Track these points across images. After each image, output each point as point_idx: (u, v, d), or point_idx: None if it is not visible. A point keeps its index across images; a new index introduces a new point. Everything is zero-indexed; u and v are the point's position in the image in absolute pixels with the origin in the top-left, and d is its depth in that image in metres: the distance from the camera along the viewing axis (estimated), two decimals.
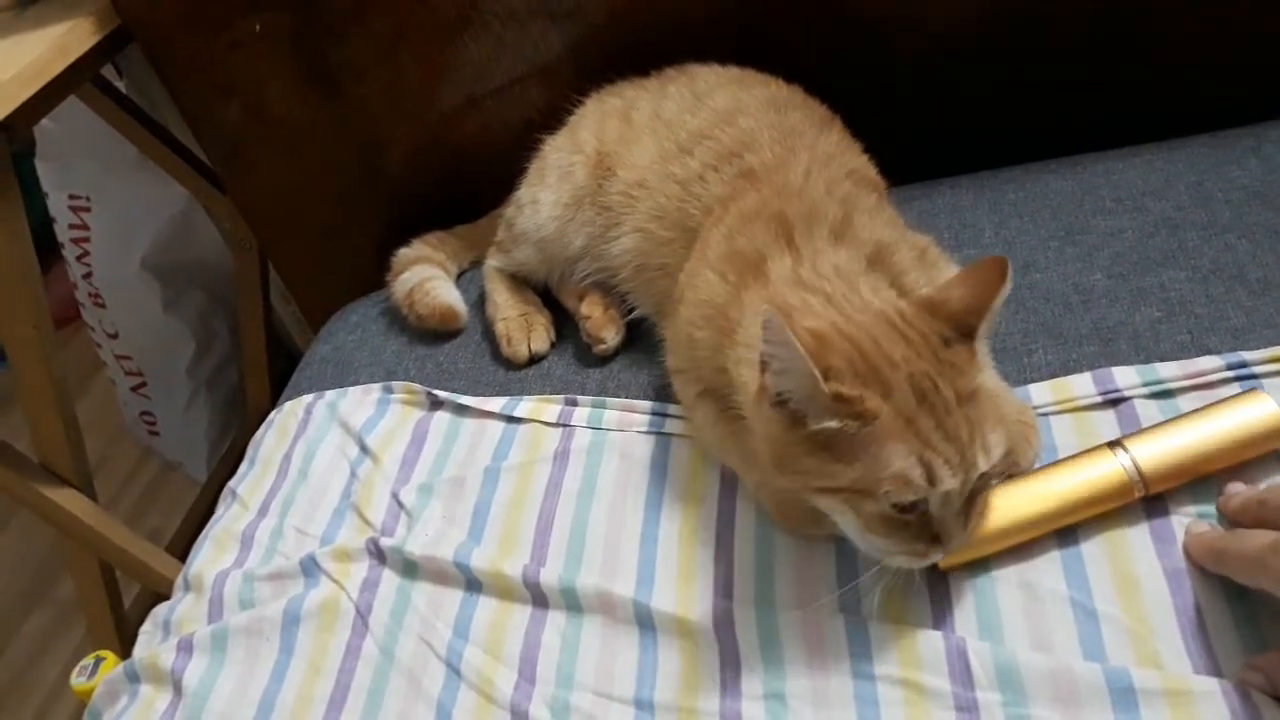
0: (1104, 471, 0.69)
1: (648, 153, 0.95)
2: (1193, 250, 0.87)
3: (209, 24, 1.14)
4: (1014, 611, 0.67)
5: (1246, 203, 0.90)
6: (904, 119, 1.05)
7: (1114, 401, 0.77)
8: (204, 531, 0.99)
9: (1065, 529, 0.69)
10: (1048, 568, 0.68)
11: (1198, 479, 0.69)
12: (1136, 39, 1.06)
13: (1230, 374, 0.75)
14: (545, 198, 1.02)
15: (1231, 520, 0.66)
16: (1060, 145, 1.05)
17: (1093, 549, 0.68)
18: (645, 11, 1.10)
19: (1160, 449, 0.68)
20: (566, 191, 1.01)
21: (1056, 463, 0.71)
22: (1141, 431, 0.71)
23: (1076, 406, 0.78)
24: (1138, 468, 0.68)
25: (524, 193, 1.06)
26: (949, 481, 0.61)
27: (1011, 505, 0.69)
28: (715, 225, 0.83)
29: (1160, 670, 0.62)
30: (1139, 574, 0.66)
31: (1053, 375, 0.81)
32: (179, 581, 0.95)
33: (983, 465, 0.62)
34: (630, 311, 0.99)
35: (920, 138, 1.08)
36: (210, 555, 0.95)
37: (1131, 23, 1.05)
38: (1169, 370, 0.77)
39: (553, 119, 1.09)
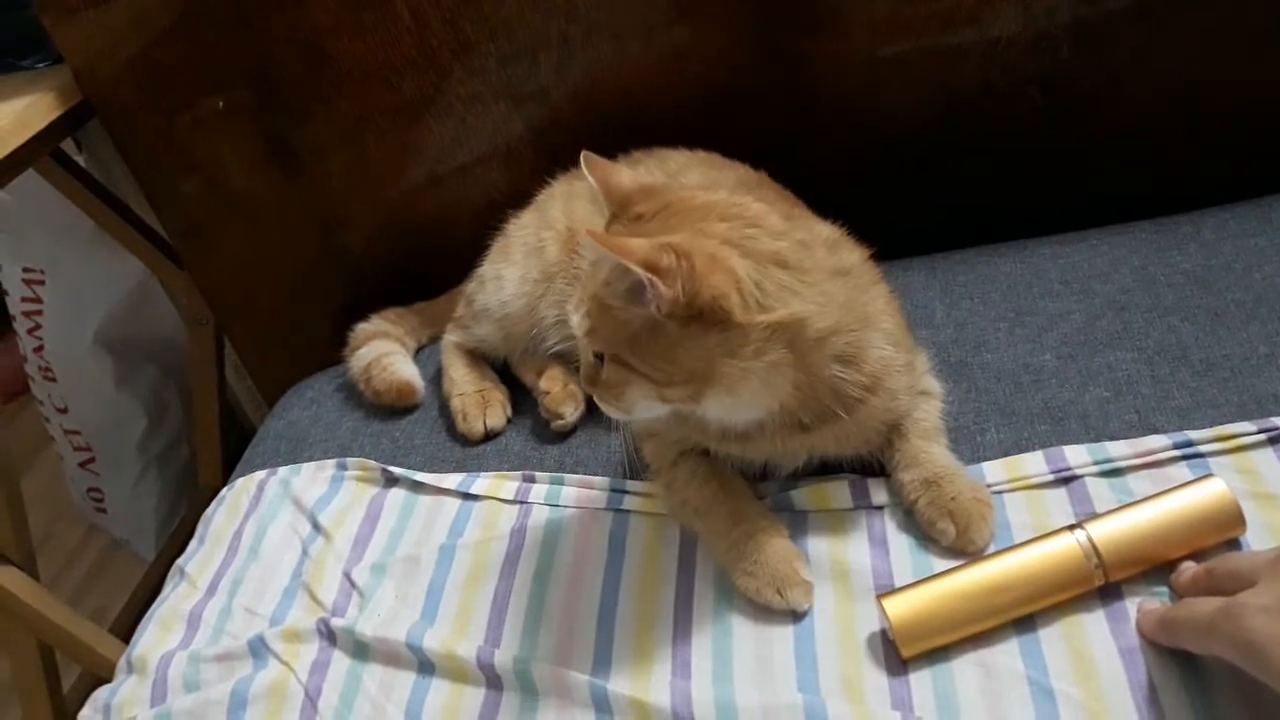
0: (1066, 564, 0.69)
1: None
2: (1138, 332, 0.89)
3: (173, 101, 1.15)
4: (972, 691, 0.66)
5: (1188, 286, 0.93)
6: (860, 203, 1.07)
7: (1066, 480, 0.78)
8: (149, 611, 0.96)
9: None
10: (1004, 647, 0.68)
11: (1155, 567, 0.69)
12: (1081, 132, 1.09)
13: (1178, 453, 0.77)
14: (510, 274, 1.03)
15: (1182, 595, 0.66)
16: (1009, 229, 1.08)
17: (1049, 628, 0.68)
18: (610, 96, 1.12)
19: (1121, 542, 0.69)
20: (535, 267, 1.02)
21: (1016, 548, 0.71)
22: (1102, 519, 0.70)
23: (1029, 485, 0.79)
24: (1100, 560, 0.68)
25: (487, 269, 1.06)
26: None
27: (974, 595, 0.69)
28: None
29: None
30: (1094, 653, 0.66)
31: (1005, 454, 0.82)
32: (121, 663, 0.92)
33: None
34: None
35: (875, 221, 1.10)
36: (155, 636, 0.92)
37: (1076, 119, 1.09)
38: (1118, 449, 0.79)
39: (515, 198, 1.10)
